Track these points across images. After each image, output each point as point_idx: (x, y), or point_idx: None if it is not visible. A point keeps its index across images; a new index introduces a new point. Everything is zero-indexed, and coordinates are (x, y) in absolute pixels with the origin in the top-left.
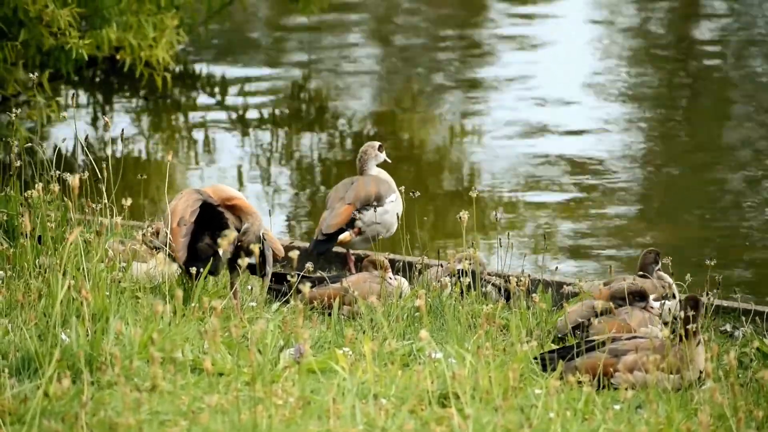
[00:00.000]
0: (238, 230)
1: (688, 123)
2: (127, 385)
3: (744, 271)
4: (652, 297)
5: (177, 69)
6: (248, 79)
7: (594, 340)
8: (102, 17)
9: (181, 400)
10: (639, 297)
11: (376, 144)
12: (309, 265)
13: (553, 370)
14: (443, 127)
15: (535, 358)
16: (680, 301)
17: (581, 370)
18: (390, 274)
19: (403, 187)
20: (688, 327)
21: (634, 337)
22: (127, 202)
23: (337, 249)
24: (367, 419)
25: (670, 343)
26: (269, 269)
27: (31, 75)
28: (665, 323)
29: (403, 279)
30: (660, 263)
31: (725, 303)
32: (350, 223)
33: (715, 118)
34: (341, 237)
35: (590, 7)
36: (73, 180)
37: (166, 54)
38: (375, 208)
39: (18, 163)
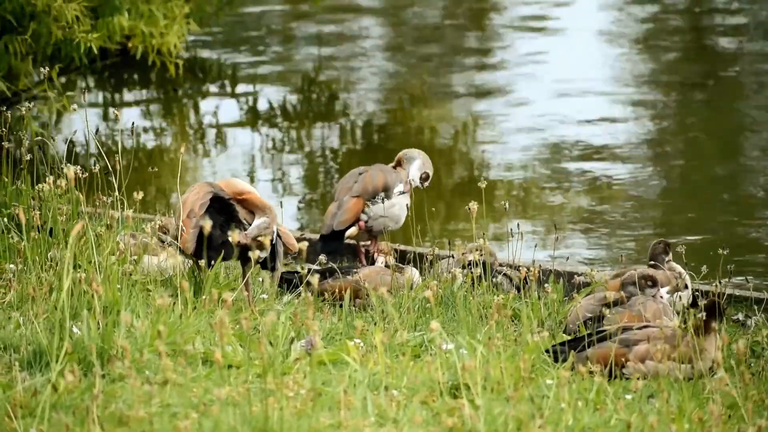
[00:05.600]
0: (249, 223)
1: (704, 110)
2: (138, 378)
3: (757, 259)
4: (665, 289)
5: (188, 60)
6: (259, 71)
7: (605, 331)
8: (113, 6)
9: (192, 393)
10: (650, 282)
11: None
12: (322, 258)
13: (564, 361)
14: (454, 116)
15: (547, 351)
16: (695, 296)
17: (592, 360)
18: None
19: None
20: (707, 323)
21: (646, 327)
22: (139, 195)
23: (346, 240)
24: (378, 411)
25: (682, 332)
26: (279, 264)
27: (42, 69)
28: (678, 313)
29: (414, 270)
30: (670, 254)
31: (737, 292)
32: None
33: (734, 103)
34: (348, 232)
35: None
36: (69, 172)
37: (177, 41)
38: (383, 200)
39: (29, 157)
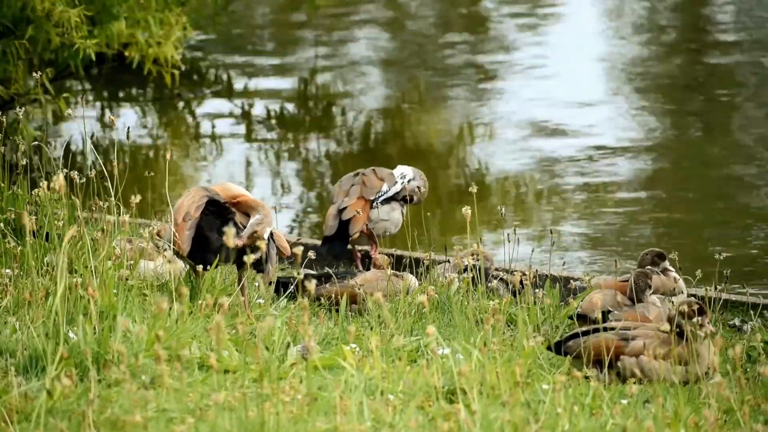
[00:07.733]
0: (245, 226)
1: (701, 114)
2: (134, 383)
3: (753, 265)
4: (656, 295)
5: (183, 66)
6: (254, 76)
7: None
8: (110, 13)
9: (189, 398)
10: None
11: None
12: (311, 254)
13: (567, 354)
14: (452, 121)
15: (549, 348)
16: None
17: (589, 349)
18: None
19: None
20: (693, 327)
21: (644, 326)
22: (136, 199)
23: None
24: (374, 415)
25: (676, 338)
26: (271, 266)
27: (35, 74)
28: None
29: (412, 277)
30: (659, 265)
31: (734, 297)
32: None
33: (731, 107)
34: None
35: None
36: (59, 179)
37: (174, 51)
38: (379, 206)
39: (24, 162)
